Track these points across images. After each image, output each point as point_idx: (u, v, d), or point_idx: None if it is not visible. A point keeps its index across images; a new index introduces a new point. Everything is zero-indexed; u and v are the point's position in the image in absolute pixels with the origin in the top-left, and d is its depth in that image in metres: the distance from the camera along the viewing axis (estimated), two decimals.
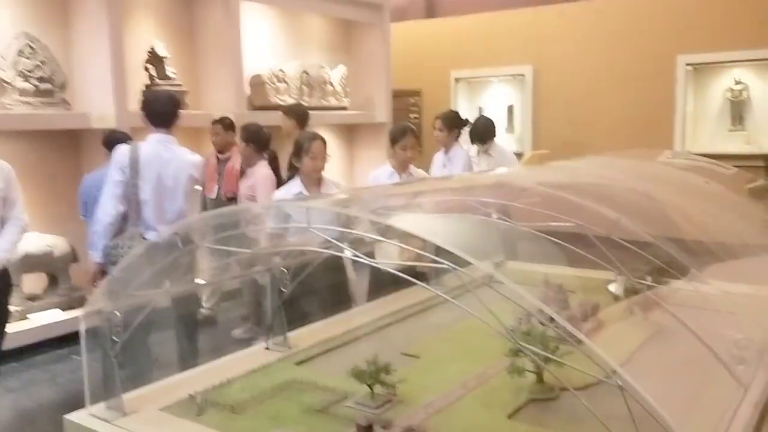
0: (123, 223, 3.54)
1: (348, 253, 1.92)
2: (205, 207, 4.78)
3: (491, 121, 5.70)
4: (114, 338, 1.95)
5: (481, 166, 5.28)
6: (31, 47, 4.99)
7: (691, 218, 2.33)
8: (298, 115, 5.12)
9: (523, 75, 9.04)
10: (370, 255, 2.24)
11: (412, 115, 9.48)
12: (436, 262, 1.50)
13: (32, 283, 4.92)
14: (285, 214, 1.98)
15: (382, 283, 3.21)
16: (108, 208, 3.51)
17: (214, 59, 6.20)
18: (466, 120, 5.50)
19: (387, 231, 1.71)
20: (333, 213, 2.00)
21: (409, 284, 2.35)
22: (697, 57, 7.82)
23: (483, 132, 5.48)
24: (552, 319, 2.40)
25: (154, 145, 3.63)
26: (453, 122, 5.07)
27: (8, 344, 4.50)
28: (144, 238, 3.50)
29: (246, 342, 3.72)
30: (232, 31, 6.08)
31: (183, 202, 3.67)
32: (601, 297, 2.77)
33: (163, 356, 3.32)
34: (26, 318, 4.74)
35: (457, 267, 1.48)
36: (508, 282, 1.46)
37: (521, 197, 2.35)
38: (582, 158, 3.13)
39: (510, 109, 9.35)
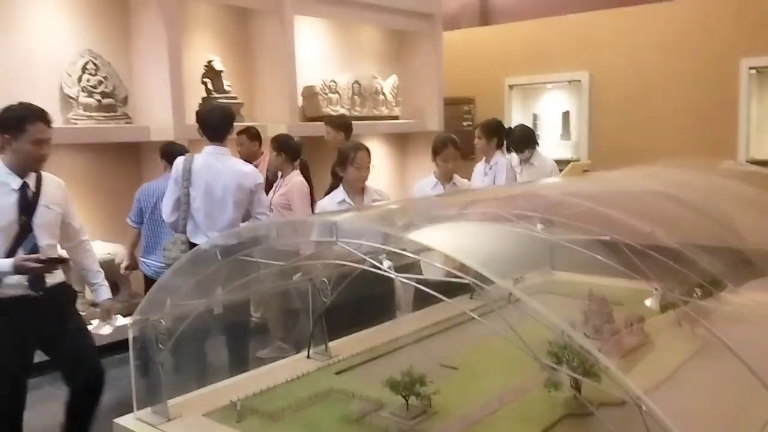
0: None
1: (386, 265, 1.94)
2: None
3: (530, 129, 5.62)
4: (160, 345, 2.04)
5: (523, 177, 5.20)
6: (94, 64, 5.23)
7: (737, 230, 2.26)
8: (344, 126, 5.26)
9: (579, 81, 8.89)
10: (412, 266, 2.26)
11: (465, 123, 9.45)
12: (458, 277, 1.50)
13: None
14: (319, 227, 2.02)
15: (427, 294, 3.23)
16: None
17: (269, 72, 6.36)
18: (508, 128, 5.44)
19: (411, 245, 1.73)
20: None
21: (454, 295, 2.37)
22: (762, 60, 7.53)
23: (520, 140, 5.36)
24: (587, 334, 2.37)
25: (206, 156, 3.81)
26: (492, 131, 5.02)
27: None
28: (192, 243, 3.73)
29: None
30: (286, 44, 6.22)
31: (233, 212, 3.78)
32: (647, 310, 2.71)
33: (213, 362, 3.42)
34: (89, 323, 4.94)
35: (480, 283, 1.49)
36: (527, 299, 1.45)
37: (556, 209, 2.33)
38: (627, 168, 3.07)
39: (565, 115, 9.22)
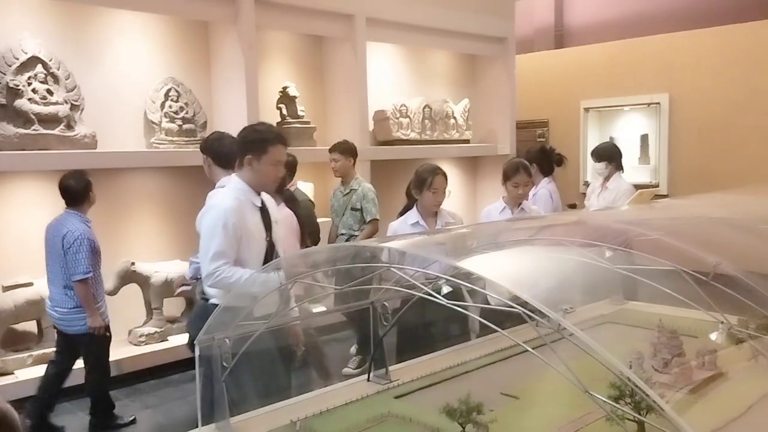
0: None
1: (444, 291, 1.95)
2: None
3: (615, 146, 5.57)
4: (224, 364, 2.11)
5: (599, 202, 5.10)
6: (176, 91, 5.49)
7: None
8: (350, 151, 5.22)
9: (658, 103, 8.64)
10: (477, 293, 2.25)
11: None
12: (510, 306, 1.49)
13: (172, 306, 5.35)
14: (375, 252, 2.05)
15: (494, 320, 3.20)
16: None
17: (341, 97, 6.50)
18: (557, 156, 5.50)
19: (463, 273, 1.73)
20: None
21: (520, 322, 2.35)
22: None
23: (600, 152, 5.33)
24: (656, 367, 2.29)
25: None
26: (533, 159, 5.03)
27: (149, 362, 4.92)
28: None
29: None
30: (359, 70, 6.34)
31: None
32: (720, 343, 2.59)
33: (274, 382, 3.48)
34: (166, 339, 5.15)
35: (530, 312, 1.47)
36: (578, 333, 1.42)
37: (622, 238, 2.27)
38: (705, 195, 2.96)
39: (644, 138, 8.96)
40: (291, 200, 4.38)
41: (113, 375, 4.35)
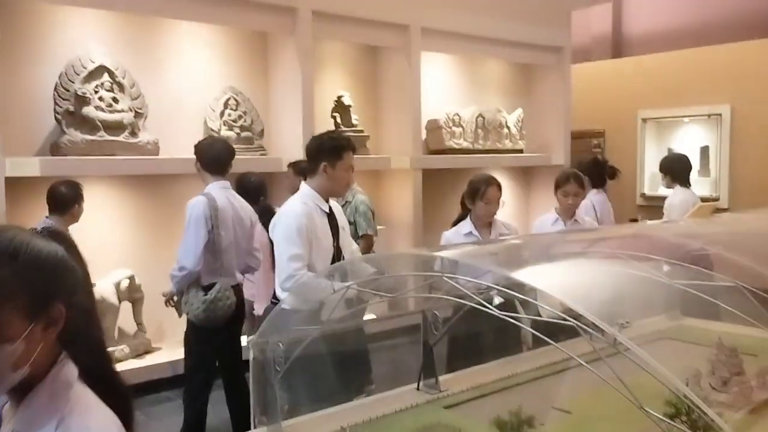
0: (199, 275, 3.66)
1: (496, 302, 1.95)
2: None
3: (678, 160, 5.53)
4: (277, 368, 2.16)
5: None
6: (235, 100, 5.63)
7: None
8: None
9: (719, 114, 8.39)
10: (530, 305, 2.24)
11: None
12: (563, 319, 1.48)
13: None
14: (428, 261, 2.07)
15: (546, 332, 3.17)
16: (193, 260, 3.56)
17: (394, 106, 6.54)
18: (610, 168, 5.52)
19: (516, 284, 1.73)
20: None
21: (574, 334, 2.32)
22: None
23: (666, 163, 5.33)
24: (714, 386, 2.23)
25: (222, 192, 3.71)
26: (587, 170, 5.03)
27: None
28: (233, 287, 3.71)
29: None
30: (412, 79, 6.38)
31: (251, 247, 3.86)
32: None
33: (327, 387, 3.52)
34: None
35: (585, 327, 1.46)
36: (635, 348, 1.40)
37: (681, 252, 2.23)
38: (761, 210, 2.87)
39: (704, 150, 8.71)
40: (264, 214, 4.20)
41: None
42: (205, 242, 3.58)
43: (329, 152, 3.15)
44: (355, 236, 4.53)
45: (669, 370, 1.58)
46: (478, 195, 3.60)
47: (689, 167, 5.41)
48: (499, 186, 3.65)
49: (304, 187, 3.25)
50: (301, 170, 4.80)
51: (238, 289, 3.82)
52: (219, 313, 3.60)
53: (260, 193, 4.31)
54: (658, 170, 5.36)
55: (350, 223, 4.51)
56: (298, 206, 3.13)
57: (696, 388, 2.23)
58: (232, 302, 3.64)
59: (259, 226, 4.11)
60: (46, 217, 4.16)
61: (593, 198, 5.35)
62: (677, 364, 2.60)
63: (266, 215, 4.11)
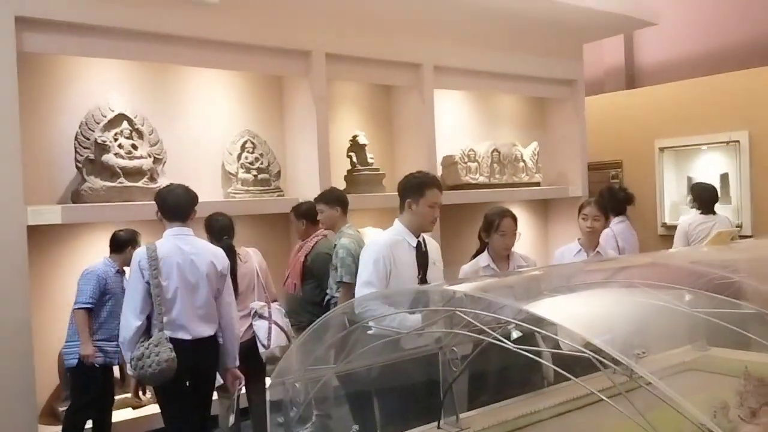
0: (147, 329, 3.43)
1: (514, 335, 1.92)
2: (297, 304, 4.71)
3: (700, 189, 5.92)
4: (293, 407, 2.14)
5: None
6: (252, 143, 5.71)
7: None
8: (336, 200, 4.64)
9: (737, 141, 8.32)
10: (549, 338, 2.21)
11: None
12: (580, 352, 1.46)
13: None
14: (440, 295, 2.05)
15: (566, 366, 3.11)
16: (131, 321, 3.40)
17: (410, 143, 6.59)
18: (624, 194, 5.60)
19: (531, 318, 1.70)
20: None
21: (597, 368, 2.27)
22: None
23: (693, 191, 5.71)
24: (743, 417, 2.16)
25: (170, 240, 3.57)
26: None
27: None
28: (171, 341, 3.38)
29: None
30: (426, 117, 6.44)
31: (209, 295, 3.58)
32: None
33: (343, 425, 3.47)
34: None
35: (604, 360, 1.43)
36: (655, 381, 1.36)
37: (701, 281, 2.19)
38: None
39: (724, 178, 8.62)
40: (226, 252, 3.93)
41: None
42: (144, 295, 3.40)
43: (412, 189, 3.38)
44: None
45: (695, 402, 1.53)
46: (493, 227, 3.61)
47: (714, 196, 5.92)
48: (513, 217, 3.65)
49: (396, 221, 3.48)
50: (302, 213, 4.83)
51: (198, 344, 3.52)
52: (147, 371, 3.30)
53: (223, 233, 4.28)
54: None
55: (335, 268, 4.31)
56: (383, 238, 3.42)
57: (724, 420, 2.16)
58: (163, 359, 3.29)
59: None
60: (106, 258, 4.37)
61: (614, 227, 5.34)
62: (703, 395, 2.53)
63: (227, 255, 3.94)
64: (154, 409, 3.89)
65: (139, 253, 3.50)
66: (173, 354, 3.34)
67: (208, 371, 3.69)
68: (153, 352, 3.30)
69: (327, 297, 4.46)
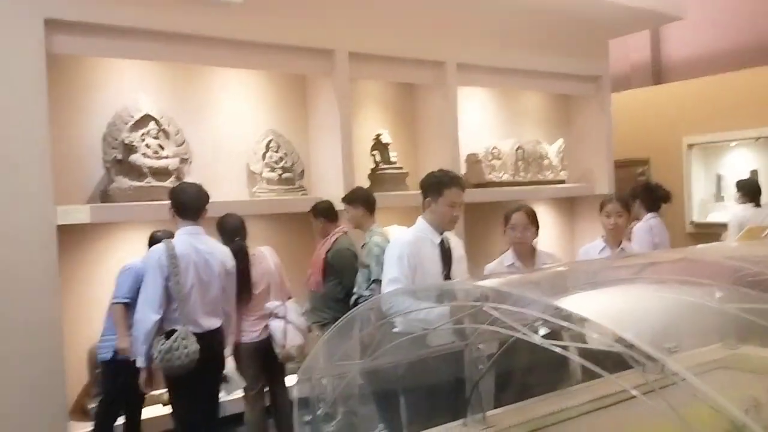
0: (161, 324, 3.58)
1: (541, 332, 1.90)
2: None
3: (745, 182, 6.44)
4: (320, 404, 2.14)
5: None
6: (276, 142, 5.74)
7: None
8: (360, 199, 4.65)
9: None
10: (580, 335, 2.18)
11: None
12: (611, 346, 1.43)
13: None
14: (468, 291, 2.04)
15: (596, 364, 3.07)
16: (150, 315, 3.53)
17: (433, 142, 6.57)
18: (663, 192, 5.45)
19: (561, 313, 1.68)
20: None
21: (627, 365, 2.23)
22: None
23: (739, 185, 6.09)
24: None
25: (185, 238, 3.70)
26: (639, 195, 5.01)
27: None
28: (194, 335, 3.55)
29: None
30: (450, 115, 6.41)
31: (219, 291, 3.77)
32: None
33: (370, 422, 3.48)
34: None
35: (636, 356, 1.40)
36: (689, 377, 1.34)
37: (732, 276, 2.14)
38: None
39: (753, 174, 8.48)
40: (237, 254, 4.10)
41: None
42: (162, 290, 3.55)
43: (431, 188, 3.42)
44: (369, 280, 4.34)
45: (726, 399, 1.50)
46: (507, 223, 3.60)
47: (760, 189, 6.45)
48: (527, 212, 3.61)
49: (419, 219, 3.50)
50: (319, 212, 4.84)
51: (207, 336, 3.68)
52: (176, 363, 3.49)
53: (235, 234, 4.32)
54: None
55: (365, 266, 4.36)
56: (407, 236, 3.43)
57: (756, 418, 2.11)
58: (191, 351, 3.50)
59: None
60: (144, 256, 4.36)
61: (650, 221, 5.30)
62: (735, 393, 2.48)
63: (238, 255, 4.12)
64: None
65: (158, 250, 3.62)
66: (198, 346, 3.54)
67: (215, 360, 3.83)
68: (182, 345, 3.48)
69: (355, 296, 4.42)
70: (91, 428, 4.34)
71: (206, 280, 3.69)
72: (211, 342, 3.72)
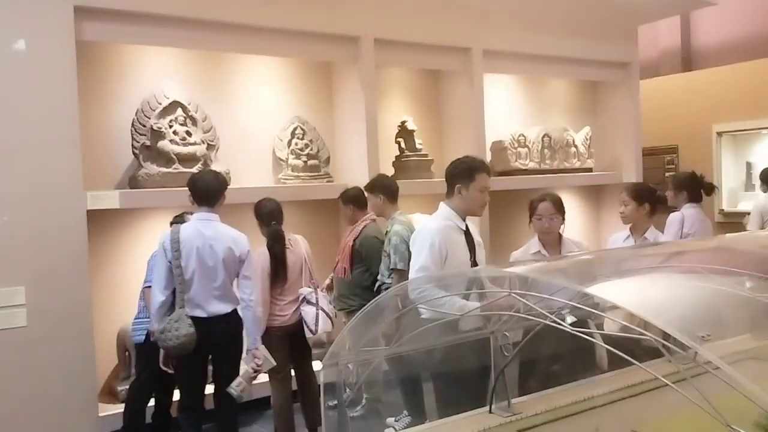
0: (172, 305, 3.71)
1: (568, 320, 1.89)
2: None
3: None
4: (346, 389, 2.16)
5: None
6: (302, 129, 5.76)
7: None
8: (381, 187, 4.67)
9: None
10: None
11: (666, 174, 8.89)
12: (642, 335, 1.42)
13: None
14: (495, 278, 2.03)
15: (625, 352, 3.05)
16: (157, 296, 3.70)
17: (458, 129, 6.54)
18: (708, 184, 5.36)
19: (589, 300, 1.67)
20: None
21: (655, 355, 2.21)
22: None
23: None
24: None
25: (194, 224, 3.79)
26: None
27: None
28: (191, 317, 3.65)
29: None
30: (476, 102, 6.37)
31: (226, 278, 3.77)
32: None
33: (395, 408, 3.50)
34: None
35: (668, 344, 1.39)
36: (723, 365, 1.32)
37: (763, 265, 2.11)
38: None
39: None
40: (274, 238, 4.25)
41: None
42: (167, 272, 3.68)
43: (462, 174, 3.38)
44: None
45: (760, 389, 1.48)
46: (533, 212, 3.59)
47: None
48: (555, 202, 3.60)
49: (442, 205, 3.47)
50: (349, 198, 4.84)
51: (214, 321, 3.75)
52: (168, 343, 3.61)
53: (272, 218, 4.35)
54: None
55: (387, 255, 4.39)
56: (436, 223, 3.38)
57: None
58: (182, 334, 3.59)
59: (259, 252, 4.23)
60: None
61: (685, 212, 5.16)
62: (764, 385, 2.44)
63: (274, 239, 4.27)
64: (210, 389, 3.99)
65: (165, 235, 3.75)
66: (192, 329, 3.62)
67: (226, 346, 3.85)
68: (174, 327, 3.61)
69: (378, 283, 4.49)
70: (122, 410, 4.43)
71: (211, 266, 3.73)
72: (219, 327, 3.77)
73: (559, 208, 3.60)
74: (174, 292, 3.71)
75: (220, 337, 3.77)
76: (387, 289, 4.28)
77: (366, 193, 4.75)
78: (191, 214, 4.34)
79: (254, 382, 3.96)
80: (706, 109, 8.71)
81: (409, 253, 4.11)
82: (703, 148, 8.72)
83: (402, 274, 4.22)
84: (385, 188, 4.67)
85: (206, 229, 3.77)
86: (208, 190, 3.83)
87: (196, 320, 3.67)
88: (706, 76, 9.00)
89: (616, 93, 7.79)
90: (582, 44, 7.06)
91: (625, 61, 7.59)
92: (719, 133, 8.72)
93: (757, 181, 8.33)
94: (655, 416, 2.42)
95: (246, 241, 3.94)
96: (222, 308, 3.80)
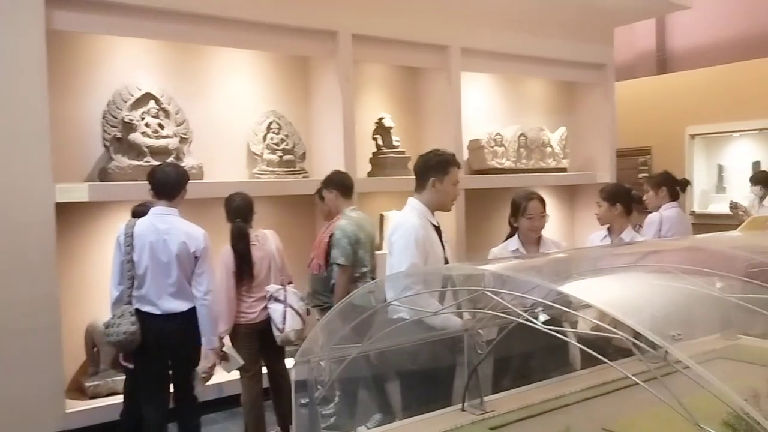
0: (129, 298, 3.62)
1: (541, 318, 1.89)
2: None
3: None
4: (318, 386, 2.13)
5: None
6: (278, 124, 5.71)
7: None
8: (337, 183, 4.57)
9: None
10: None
11: (640, 175, 9.00)
12: (613, 333, 1.42)
13: None
14: (469, 275, 2.02)
15: (597, 350, 3.06)
16: (111, 291, 3.64)
17: (436, 126, 6.53)
18: (683, 180, 5.40)
19: (562, 298, 1.67)
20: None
21: (627, 353, 2.22)
22: None
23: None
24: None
25: (149, 218, 3.69)
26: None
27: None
28: (144, 314, 3.56)
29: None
30: (453, 100, 6.37)
31: (180, 274, 3.64)
32: None
33: (369, 407, 3.47)
34: None
35: (639, 343, 1.38)
36: (692, 364, 1.32)
37: (734, 265, 2.13)
38: None
39: (756, 165, 8.45)
40: (238, 236, 4.14)
41: None
42: (120, 267, 3.61)
43: (437, 167, 3.31)
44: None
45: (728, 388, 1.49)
46: (520, 211, 3.56)
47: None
48: (541, 200, 3.59)
49: (413, 201, 3.36)
50: (333, 183, 4.73)
51: (167, 318, 3.63)
52: (111, 339, 3.53)
53: (238, 215, 4.25)
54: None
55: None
56: (415, 218, 3.26)
57: (755, 408, 2.10)
58: (122, 331, 3.49)
59: (225, 249, 4.16)
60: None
61: (664, 213, 5.14)
62: (733, 384, 2.47)
63: (237, 237, 4.15)
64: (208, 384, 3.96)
65: (120, 229, 3.67)
66: (134, 327, 3.51)
67: (180, 345, 3.73)
68: (116, 323, 3.52)
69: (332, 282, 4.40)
70: (89, 407, 4.35)
71: (164, 261, 3.61)
72: (173, 325, 3.65)
73: (544, 206, 3.61)
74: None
75: (174, 335, 3.65)
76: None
77: (322, 189, 4.65)
78: (140, 206, 4.26)
79: (225, 379, 3.90)
80: (680, 111, 8.83)
81: (351, 248, 4.13)
82: (676, 150, 8.84)
83: (344, 269, 4.20)
84: (338, 183, 4.57)
85: (161, 224, 3.64)
86: (167, 183, 3.70)
87: (149, 317, 3.58)
88: (680, 78, 9.12)
89: (591, 94, 7.85)
90: (559, 45, 7.10)
91: (601, 63, 7.65)
92: (692, 136, 8.85)
93: (728, 183, 8.49)
94: (626, 415, 2.43)
95: (203, 236, 3.75)
96: (177, 306, 3.66)
